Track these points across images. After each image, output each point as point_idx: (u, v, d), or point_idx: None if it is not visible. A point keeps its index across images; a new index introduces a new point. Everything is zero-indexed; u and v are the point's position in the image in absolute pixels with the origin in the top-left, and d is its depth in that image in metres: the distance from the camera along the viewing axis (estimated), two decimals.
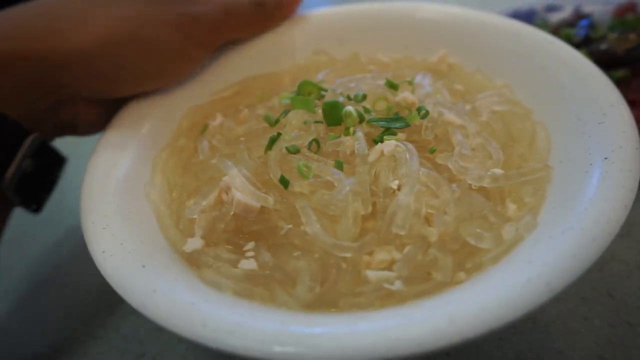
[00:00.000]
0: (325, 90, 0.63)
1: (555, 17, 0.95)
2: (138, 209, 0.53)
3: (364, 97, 0.60)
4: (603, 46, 0.76)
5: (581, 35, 0.79)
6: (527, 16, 0.97)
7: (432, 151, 0.53)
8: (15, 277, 0.72)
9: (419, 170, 0.48)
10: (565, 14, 0.97)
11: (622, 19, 0.79)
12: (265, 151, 0.55)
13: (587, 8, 0.96)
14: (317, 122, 0.57)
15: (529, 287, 0.35)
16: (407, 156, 0.49)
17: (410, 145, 0.50)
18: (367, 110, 0.57)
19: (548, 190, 0.48)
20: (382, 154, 0.51)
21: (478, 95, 0.61)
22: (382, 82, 0.62)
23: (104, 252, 0.44)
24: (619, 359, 0.50)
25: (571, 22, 0.85)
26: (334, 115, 0.56)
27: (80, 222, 0.49)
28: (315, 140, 0.54)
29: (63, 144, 1.02)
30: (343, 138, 0.54)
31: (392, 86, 0.62)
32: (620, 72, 0.72)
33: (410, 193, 0.46)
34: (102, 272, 0.43)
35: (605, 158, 0.44)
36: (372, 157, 0.51)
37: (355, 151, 0.51)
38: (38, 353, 0.61)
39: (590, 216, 0.39)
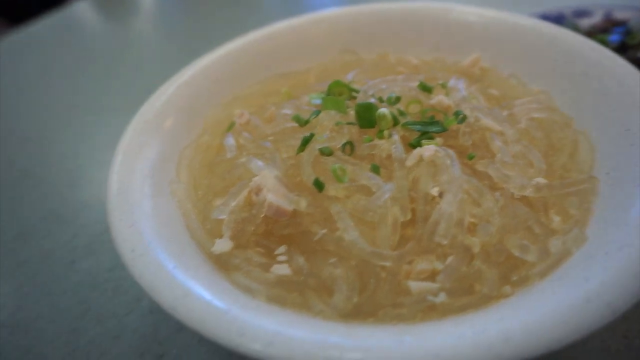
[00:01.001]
0: (357, 92, 0.61)
1: (586, 23, 0.93)
2: (164, 206, 0.51)
3: (398, 99, 0.58)
4: None
5: (616, 41, 0.77)
6: (556, 21, 0.95)
7: (471, 157, 0.51)
8: (29, 272, 0.70)
9: (461, 177, 0.46)
10: (595, 19, 0.95)
11: None
12: (298, 152, 0.53)
13: (619, 14, 0.94)
14: (349, 123, 0.55)
15: (589, 306, 0.33)
16: (449, 162, 0.47)
17: (450, 151, 0.48)
18: (401, 113, 0.55)
19: (594, 202, 0.46)
20: (420, 159, 0.49)
21: (515, 101, 0.59)
22: (414, 84, 0.61)
23: (133, 251, 0.43)
24: None
25: (604, 28, 0.83)
26: (367, 117, 0.54)
27: (107, 219, 0.47)
28: (350, 143, 0.52)
29: (74, 142, 1.01)
30: (378, 141, 0.52)
31: (426, 89, 0.60)
32: None
33: (454, 201, 0.44)
34: (131, 272, 0.41)
35: None
36: (410, 162, 0.49)
37: (393, 155, 0.49)
38: (52, 351, 0.59)
39: None
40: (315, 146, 0.51)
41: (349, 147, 0.52)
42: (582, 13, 0.98)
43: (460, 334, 0.34)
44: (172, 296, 0.39)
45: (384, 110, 0.54)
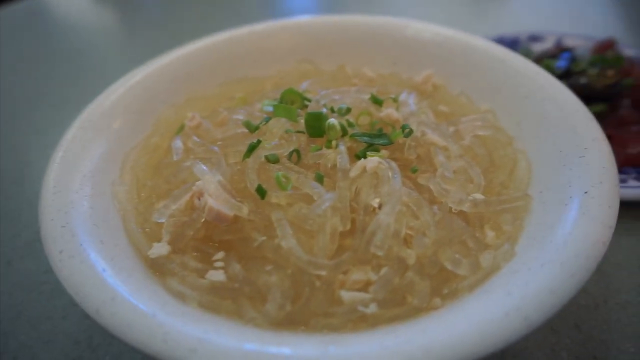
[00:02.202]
0: (309, 101, 0.61)
1: (538, 47, 0.97)
2: (103, 208, 0.50)
3: (348, 110, 0.59)
4: (583, 80, 0.77)
5: (562, 67, 0.81)
6: (511, 44, 0.99)
7: (414, 171, 0.52)
8: None
9: (401, 190, 0.47)
10: (547, 44, 0.99)
11: (602, 56, 0.81)
12: (243, 158, 0.53)
13: (568, 41, 0.98)
14: (298, 132, 0.55)
15: (507, 320, 0.34)
16: (390, 174, 0.48)
17: (393, 164, 0.49)
18: (350, 124, 0.56)
19: (527, 220, 0.48)
20: (364, 170, 0.49)
21: (462, 118, 0.61)
22: (366, 96, 0.62)
23: (61, 252, 0.41)
24: None
25: (553, 54, 0.87)
26: (316, 127, 0.55)
27: (38, 218, 0.45)
28: (296, 151, 0.52)
29: (26, 135, 0.97)
30: (325, 151, 0.52)
31: (377, 102, 0.61)
32: (599, 107, 0.74)
33: (392, 213, 0.45)
34: (57, 274, 0.40)
35: (586, 192, 0.44)
36: (353, 173, 0.49)
37: (338, 165, 0.50)
38: None
39: (570, 251, 0.39)
40: (261, 153, 0.51)
41: (296, 155, 0.52)
42: (535, 38, 1.03)
43: (383, 345, 0.34)
44: (98, 300, 0.38)
45: (333, 120, 0.54)
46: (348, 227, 0.46)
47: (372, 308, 0.40)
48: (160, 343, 0.35)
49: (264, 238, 0.46)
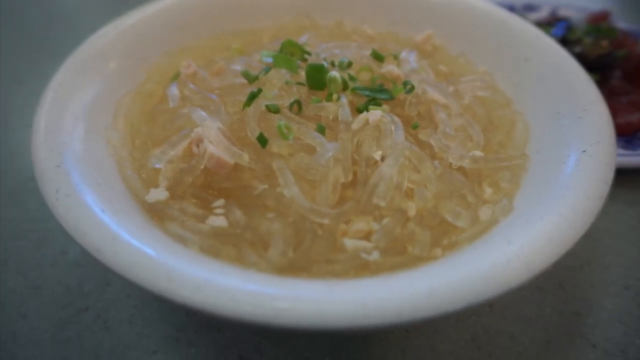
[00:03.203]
0: (309, 54, 0.60)
1: (533, 17, 0.97)
2: (96, 151, 0.48)
3: (349, 64, 0.58)
4: (577, 49, 0.78)
5: (558, 35, 0.81)
6: None
7: (415, 127, 0.52)
8: None
9: (404, 143, 0.47)
10: (542, 14, 0.99)
11: (596, 26, 0.82)
12: (244, 107, 0.51)
13: (562, 12, 0.99)
14: (299, 83, 0.54)
15: (509, 266, 0.35)
16: (393, 128, 0.48)
17: (396, 118, 0.49)
18: (351, 78, 0.55)
19: (524, 177, 0.49)
20: (366, 123, 0.49)
21: (461, 78, 0.61)
22: (367, 52, 0.61)
23: (57, 191, 0.40)
24: (565, 345, 0.53)
25: (549, 22, 0.87)
26: (317, 79, 0.54)
27: (32, 158, 0.43)
28: (298, 102, 0.52)
29: (6, 85, 0.92)
30: (326, 103, 0.52)
31: (378, 57, 0.60)
32: (591, 76, 0.75)
33: (394, 165, 0.45)
34: (55, 213, 0.39)
35: (584, 151, 0.45)
36: (355, 125, 0.49)
37: (339, 117, 0.49)
38: None
39: (568, 204, 0.40)
40: (262, 102, 0.50)
41: (297, 106, 0.51)
42: (531, 7, 1.02)
43: (387, 287, 0.35)
44: (99, 239, 0.37)
45: (334, 73, 0.53)
46: (350, 178, 0.46)
47: (375, 255, 0.41)
48: (165, 282, 0.34)
49: (265, 186, 0.46)
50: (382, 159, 0.47)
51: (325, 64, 0.57)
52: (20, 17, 1.13)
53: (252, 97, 0.51)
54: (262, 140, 0.47)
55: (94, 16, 1.15)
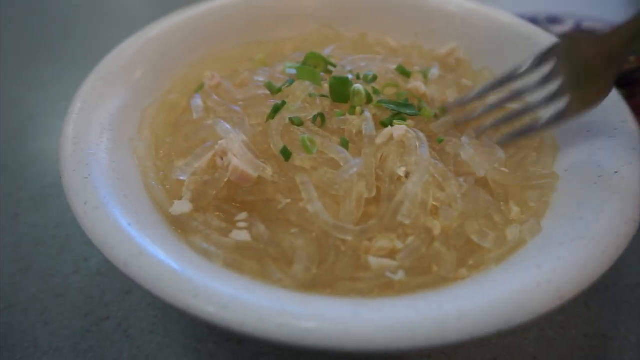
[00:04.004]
0: (334, 65, 0.60)
1: (557, 30, 0.96)
2: (122, 162, 0.49)
3: (374, 78, 0.57)
4: None
5: None
6: None
7: (440, 141, 0.51)
8: None
9: (429, 160, 0.46)
10: (566, 27, 0.97)
11: None
12: (267, 119, 0.51)
13: (587, 25, 0.97)
14: (322, 96, 0.54)
15: (539, 291, 0.35)
16: (417, 144, 0.47)
17: (420, 133, 0.49)
18: (375, 92, 0.55)
19: (553, 197, 0.48)
20: (391, 138, 0.49)
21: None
22: (392, 66, 0.60)
23: (85, 203, 0.40)
24: None
25: None
26: (341, 91, 0.54)
27: (59, 168, 0.44)
28: (321, 115, 0.51)
29: (27, 88, 0.94)
30: (349, 116, 0.51)
31: (404, 73, 0.60)
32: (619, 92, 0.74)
33: (419, 183, 0.44)
34: (82, 226, 0.39)
35: (616, 172, 0.44)
36: (379, 140, 0.49)
37: (363, 131, 0.49)
38: None
39: (602, 228, 0.39)
40: (285, 115, 0.50)
41: (320, 119, 0.51)
42: (554, 20, 1.01)
43: (415, 309, 0.34)
44: (126, 253, 0.37)
45: (358, 86, 0.53)
46: (373, 194, 0.46)
47: (400, 275, 0.40)
48: (191, 298, 0.34)
49: (288, 201, 0.45)
50: (407, 175, 0.46)
51: (350, 77, 0.56)
52: (39, 20, 1.15)
53: (276, 109, 0.51)
54: (286, 154, 0.47)
55: (112, 22, 1.16)
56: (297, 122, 0.50)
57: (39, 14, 1.19)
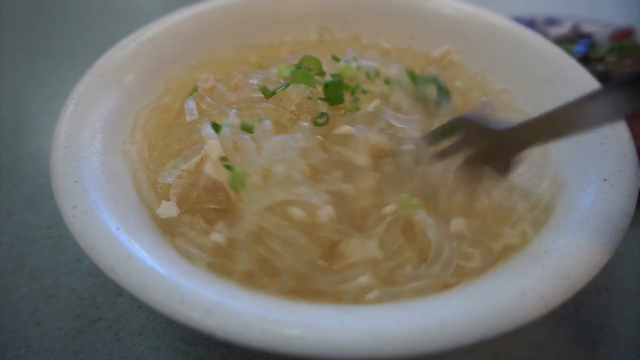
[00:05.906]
0: (338, 59, 0.60)
1: (555, 31, 0.95)
2: (114, 165, 0.49)
3: (377, 73, 0.58)
4: (600, 67, 0.76)
5: (580, 52, 0.80)
6: (527, 26, 0.96)
7: None
8: None
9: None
10: (564, 29, 0.97)
11: (620, 43, 0.80)
12: None
13: (585, 27, 0.97)
14: (320, 99, 0.54)
15: (524, 300, 0.35)
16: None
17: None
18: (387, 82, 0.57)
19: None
20: None
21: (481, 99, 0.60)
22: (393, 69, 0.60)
23: (74, 207, 0.40)
24: None
25: (571, 38, 0.86)
26: (336, 94, 0.54)
27: (50, 172, 0.44)
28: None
29: (26, 86, 0.94)
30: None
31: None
32: None
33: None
34: (71, 230, 0.39)
35: (605, 179, 0.44)
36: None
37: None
38: None
39: (588, 237, 0.39)
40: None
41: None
42: (552, 22, 1.01)
43: (399, 317, 0.34)
44: (113, 258, 0.37)
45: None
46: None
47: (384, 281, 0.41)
48: (177, 304, 0.34)
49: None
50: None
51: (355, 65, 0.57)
52: (36, 16, 1.15)
53: None
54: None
55: (112, 19, 1.16)
56: None
57: (36, 9, 1.19)
